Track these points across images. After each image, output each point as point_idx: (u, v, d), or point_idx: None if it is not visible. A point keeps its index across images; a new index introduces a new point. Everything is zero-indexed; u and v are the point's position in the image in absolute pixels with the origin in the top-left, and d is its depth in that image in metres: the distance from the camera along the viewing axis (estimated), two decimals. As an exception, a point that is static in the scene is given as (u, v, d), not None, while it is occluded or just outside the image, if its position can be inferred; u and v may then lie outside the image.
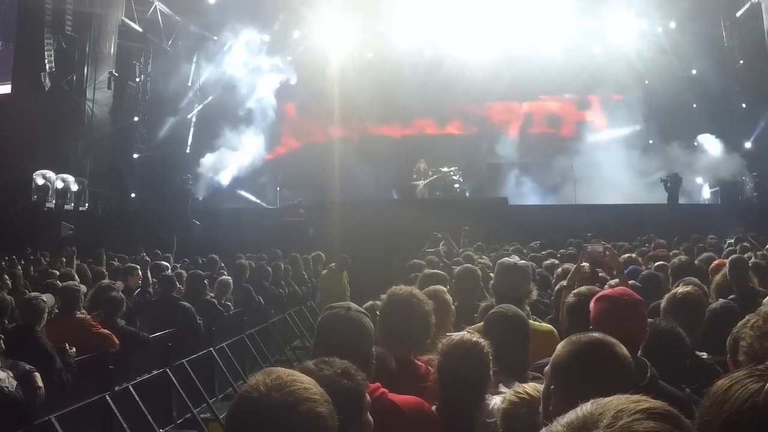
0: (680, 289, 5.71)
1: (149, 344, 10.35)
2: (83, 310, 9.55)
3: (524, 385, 3.44)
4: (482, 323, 4.98)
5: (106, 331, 9.20)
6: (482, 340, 3.99)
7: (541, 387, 3.32)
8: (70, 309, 9.21)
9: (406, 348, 4.38)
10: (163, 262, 14.83)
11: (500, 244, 16.27)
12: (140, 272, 13.16)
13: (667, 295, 5.73)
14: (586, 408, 1.47)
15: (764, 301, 3.54)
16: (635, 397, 1.50)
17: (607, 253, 7.45)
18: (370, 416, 2.84)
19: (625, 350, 3.05)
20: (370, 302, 5.24)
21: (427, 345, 4.50)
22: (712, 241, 15.63)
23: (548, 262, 11.27)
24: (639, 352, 3.95)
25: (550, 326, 5.88)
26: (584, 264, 7.13)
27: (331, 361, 2.81)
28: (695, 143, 29.74)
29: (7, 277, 12.22)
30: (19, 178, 26.25)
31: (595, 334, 3.13)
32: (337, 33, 33.02)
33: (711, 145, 28.93)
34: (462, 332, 4.21)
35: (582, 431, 1.40)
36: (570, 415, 1.46)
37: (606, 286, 6.22)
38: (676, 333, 4.93)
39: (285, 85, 35.11)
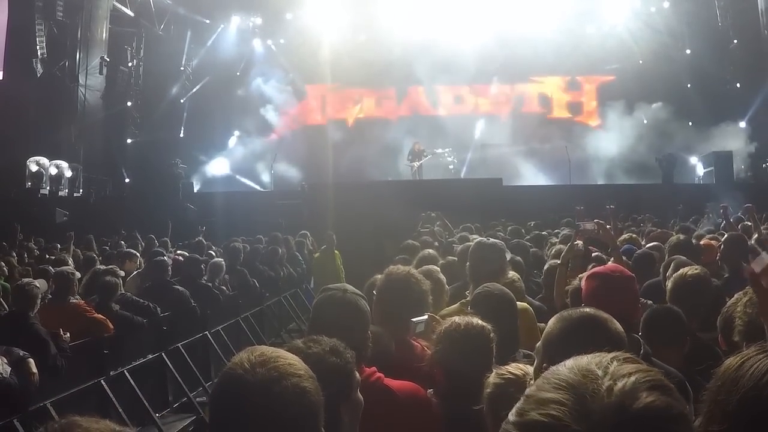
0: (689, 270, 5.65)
1: (144, 329, 10.33)
2: (77, 296, 9.52)
3: (506, 366, 3.40)
4: (458, 304, 4.97)
5: (100, 316, 9.17)
6: (487, 324, 3.95)
7: (524, 366, 3.31)
8: (64, 294, 9.18)
9: (403, 328, 4.36)
10: (161, 248, 14.82)
11: (494, 224, 16.25)
12: (140, 258, 13.19)
13: (674, 276, 5.67)
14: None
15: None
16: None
17: (601, 230, 7.45)
18: (360, 395, 2.83)
19: (617, 325, 3.04)
20: (375, 277, 5.23)
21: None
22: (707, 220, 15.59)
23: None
24: (632, 329, 3.94)
25: (524, 303, 5.85)
26: (578, 242, 7.11)
27: (319, 339, 2.80)
28: (689, 123, 29.81)
29: (3, 264, 12.18)
30: (13, 165, 26.21)
31: (587, 309, 3.11)
32: (330, 15, 32.90)
33: (707, 124, 29.03)
34: (466, 317, 4.13)
35: (579, 389, 1.40)
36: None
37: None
38: (673, 312, 4.93)
39: (278, 68, 35.03)
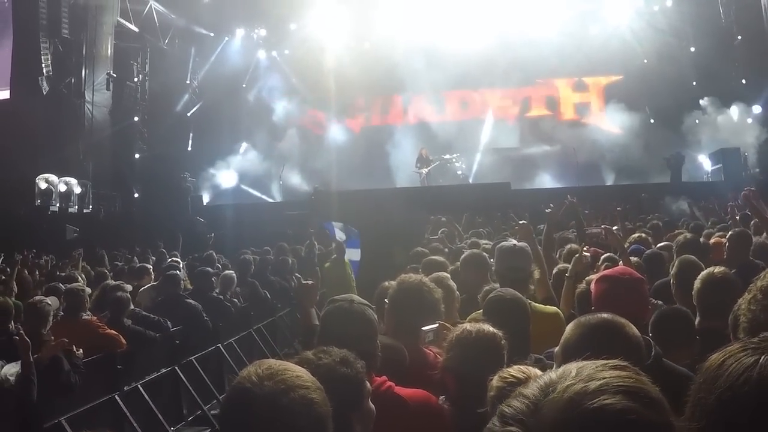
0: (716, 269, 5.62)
1: (157, 343, 10.35)
2: (89, 312, 9.53)
3: (508, 369, 3.40)
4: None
5: (112, 331, 9.18)
6: (498, 331, 3.94)
7: (526, 369, 3.30)
8: (75, 311, 9.18)
9: (415, 336, 4.35)
10: (175, 260, 14.86)
11: (504, 228, 16.19)
12: (152, 272, 13.22)
13: (702, 275, 5.63)
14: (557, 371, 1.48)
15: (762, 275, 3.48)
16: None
17: (607, 235, 7.45)
18: (371, 404, 2.85)
19: (635, 330, 3.05)
20: (384, 285, 5.23)
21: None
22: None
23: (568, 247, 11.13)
24: (642, 331, 3.93)
25: (555, 308, 5.85)
26: (585, 254, 7.10)
27: (329, 350, 2.81)
28: (696, 121, 29.76)
29: (14, 283, 12.19)
30: (22, 183, 26.33)
31: (605, 315, 3.11)
32: (333, 24, 33.00)
33: (713, 121, 29.06)
34: (477, 324, 4.12)
35: (550, 386, 1.41)
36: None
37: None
38: (681, 312, 4.92)
39: (283, 78, 35.13)
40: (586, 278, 5.65)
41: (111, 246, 18.99)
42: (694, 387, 1.66)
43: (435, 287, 4.70)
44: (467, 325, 4.05)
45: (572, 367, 1.46)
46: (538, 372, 3.27)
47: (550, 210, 8.41)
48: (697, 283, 5.42)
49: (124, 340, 9.29)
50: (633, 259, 7.32)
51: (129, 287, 11.21)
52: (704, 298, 5.27)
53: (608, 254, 7.64)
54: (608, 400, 1.34)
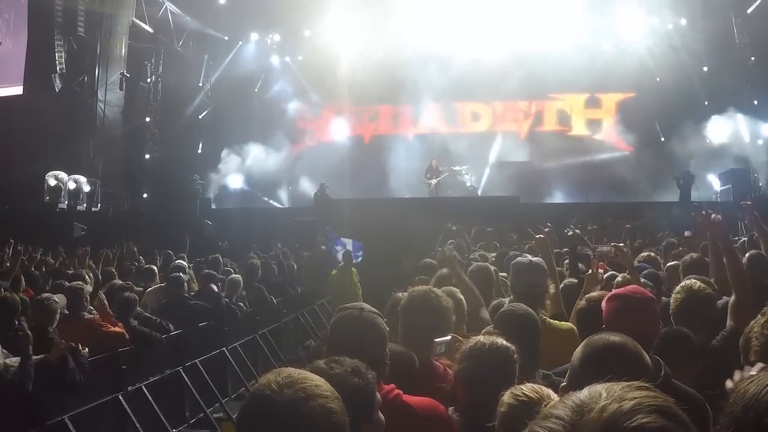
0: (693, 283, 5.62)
1: (162, 345, 10.36)
2: (93, 311, 9.53)
3: (521, 387, 3.40)
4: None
5: (115, 329, 9.20)
6: (511, 345, 3.93)
7: (539, 388, 3.30)
8: (76, 309, 9.18)
9: (426, 347, 4.35)
10: (182, 262, 14.85)
11: (511, 242, 16.15)
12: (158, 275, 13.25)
13: (682, 288, 5.62)
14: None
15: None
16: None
17: (617, 253, 7.44)
18: (381, 415, 2.85)
19: (643, 354, 3.06)
20: (396, 296, 5.23)
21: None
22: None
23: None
24: (650, 350, 3.92)
25: (570, 325, 5.83)
26: (600, 271, 7.10)
27: (341, 360, 2.81)
28: (707, 140, 29.72)
29: (22, 278, 12.21)
30: (32, 179, 26.37)
31: (613, 338, 3.11)
32: (348, 32, 33.07)
33: (724, 141, 29.07)
34: (491, 337, 4.11)
35: (583, 407, 1.43)
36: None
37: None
38: (684, 334, 4.92)
39: (295, 84, 35.21)
40: (587, 295, 5.65)
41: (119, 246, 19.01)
42: (726, 407, 1.74)
43: (446, 298, 4.70)
44: (481, 337, 4.05)
45: (599, 387, 1.49)
46: (551, 392, 3.27)
47: (547, 229, 8.40)
48: (675, 296, 5.43)
49: (128, 336, 9.30)
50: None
51: (140, 291, 11.26)
52: (684, 311, 5.27)
53: (611, 272, 7.62)
54: (645, 419, 1.38)
